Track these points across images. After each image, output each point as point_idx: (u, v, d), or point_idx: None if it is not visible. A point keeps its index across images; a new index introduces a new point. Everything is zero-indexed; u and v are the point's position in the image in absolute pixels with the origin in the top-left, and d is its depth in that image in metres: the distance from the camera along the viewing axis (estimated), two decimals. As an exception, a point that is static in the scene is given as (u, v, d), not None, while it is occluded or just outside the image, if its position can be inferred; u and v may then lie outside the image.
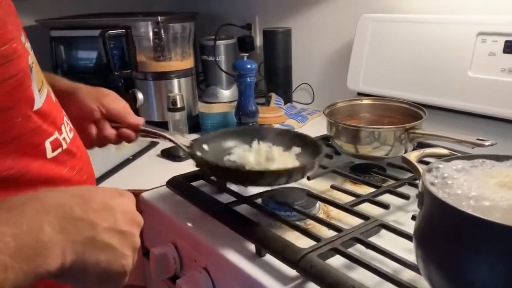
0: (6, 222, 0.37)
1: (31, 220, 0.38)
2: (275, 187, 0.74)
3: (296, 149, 0.78)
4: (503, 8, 0.96)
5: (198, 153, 0.74)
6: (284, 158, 0.75)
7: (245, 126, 0.92)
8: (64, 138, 0.56)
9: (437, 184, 0.50)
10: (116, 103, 0.73)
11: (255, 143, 0.80)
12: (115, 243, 0.43)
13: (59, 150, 0.55)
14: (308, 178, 0.84)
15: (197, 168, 0.81)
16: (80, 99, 0.70)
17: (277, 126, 1.19)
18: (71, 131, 0.60)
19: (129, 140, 0.74)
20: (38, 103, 0.53)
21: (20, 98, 0.50)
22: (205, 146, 0.78)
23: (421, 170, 0.54)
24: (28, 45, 0.55)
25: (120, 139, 0.74)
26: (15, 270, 0.35)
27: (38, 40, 1.58)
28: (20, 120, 0.50)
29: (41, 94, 0.54)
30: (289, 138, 0.80)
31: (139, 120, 0.74)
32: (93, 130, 0.71)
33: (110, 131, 0.72)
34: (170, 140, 0.75)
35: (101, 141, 0.73)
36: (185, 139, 0.76)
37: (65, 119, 0.60)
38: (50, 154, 0.53)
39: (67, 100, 0.69)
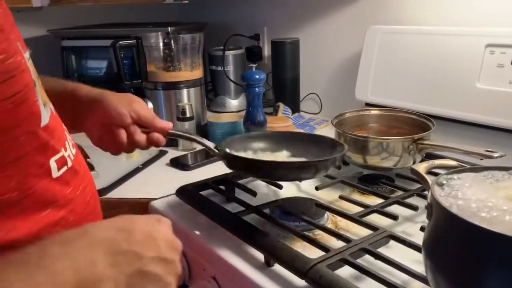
0: (65, 257, 0.39)
1: (86, 255, 0.40)
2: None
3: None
4: (512, 20, 0.96)
5: (227, 150, 0.76)
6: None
7: (263, 132, 0.95)
8: (68, 155, 0.54)
9: (446, 196, 0.50)
10: (145, 108, 0.73)
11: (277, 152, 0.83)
12: (160, 272, 0.45)
13: (65, 168, 0.53)
14: (317, 188, 0.84)
15: (216, 176, 0.87)
16: (110, 105, 0.69)
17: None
18: (74, 147, 0.58)
19: (159, 144, 0.74)
20: (45, 119, 0.51)
21: (26, 116, 0.48)
22: (227, 150, 0.79)
23: (430, 182, 0.54)
24: (27, 55, 0.52)
25: (149, 144, 0.74)
26: None
27: (49, 50, 1.61)
28: (24, 138, 0.47)
29: (46, 108, 0.52)
30: (304, 142, 0.84)
31: (168, 124, 0.74)
32: (123, 135, 0.71)
33: (141, 135, 0.72)
34: (198, 142, 0.76)
35: (131, 146, 0.73)
36: (211, 143, 0.77)
37: (67, 135, 0.58)
38: (55, 173, 0.51)
39: (95, 106, 0.69)
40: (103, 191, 0.91)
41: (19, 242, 0.45)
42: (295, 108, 1.42)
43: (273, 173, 0.74)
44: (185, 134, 0.79)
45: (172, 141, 1.15)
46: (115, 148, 0.73)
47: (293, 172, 0.73)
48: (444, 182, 0.52)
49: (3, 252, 0.44)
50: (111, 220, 0.47)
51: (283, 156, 0.82)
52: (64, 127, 0.58)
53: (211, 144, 0.77)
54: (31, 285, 0.36)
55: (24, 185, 0.47)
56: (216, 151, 0.76)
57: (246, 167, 0.75)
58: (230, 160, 0.76)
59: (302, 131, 1.25)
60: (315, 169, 0.73)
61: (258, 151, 0.84)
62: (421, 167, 0.59)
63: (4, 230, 0.45)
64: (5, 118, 0.45)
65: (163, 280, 0.45)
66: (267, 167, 0.73)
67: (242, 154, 0.81)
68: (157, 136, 0.73)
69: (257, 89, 1.09)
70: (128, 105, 0.70)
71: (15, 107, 0.46)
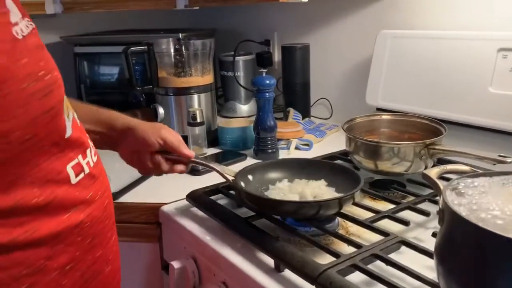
0: None
1: None
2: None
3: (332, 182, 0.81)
4: (524, 24, 0.95)
5: (242, 184, 0.79)
6: (321, 191, 0.78)
7: (288, 158, 0.96)
8: (87, 162, 0.58)
9: (458, 201, 0.49)
10: (172, 135, 0.79)
11: (296, 180, 0.83)
12: None
13: (82, 175, 0.56)
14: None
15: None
16: (141, 133, 0.76)
17: (295, 140, 1.20)
18: (95, 155, 0.62)
19: (181, 172, 0.81)
20: (69, 130, 0.55)
21: (55, 128, 0.52)
22: (250, 177, 0.83)
23: (441, 187, 0.54)
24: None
25: (173, 170, 0.80)
26: None
27: (62, 56, 1.63)
28: (48, 148, 0.51)
29: (68, 119, 0.56)
30: (328, 170, 0.84)
31: (191, 153, 0.80)
32: (149, 162, 0.78)
33: (164, 165, 0.78)
34: (217, 171, 0.80)
35: (157, 171, 0.79)
36: (230, 170, 0.82)
37: (90, 142, 0.62)
38: (74, 179, 0.55)
39: (128, 133, 0.77)
40: (115, 195, 0.91)
41: (42, 242, 0.50)
42: (305, 113, 1.42)
43: (280, 211, 0.75)
44: (203, 162, 0.83)
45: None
46: (144, 170, 0.80)
47: (301, 211, 0.72)
48: (456, 187, 0.52)
49: (26, 249, 0.49)
50: None
51: (320, 185, 0.81)
52: (87, 135, 0.62)
53: (229, 171, 0.81)
54: None
55: (46, 190, 0.51)
56: (232, 180, 0.79)
57: (253, 203, 0.76)
58: (239, 193, 0.77)
59: (313, 136, 1.25)
60: (325, 209, 0.71)
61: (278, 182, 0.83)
62: (433, 172, 0.59)
63: (30, 230, 0.50)
64: (42, 130, 0.50)
65: None
66: (272, 205, 0.73)
67: (272, 188, 0.82)
68: (181, 168, 0.80)
69: (267, 94, 1.09)
70: (156, 132, 0.77)
71: (51, 120, 0.51)
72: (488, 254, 0.44)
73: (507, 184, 0.52)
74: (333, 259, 0.62)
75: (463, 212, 0.47)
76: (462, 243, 0.47)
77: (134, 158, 0.79)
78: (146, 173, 0.82)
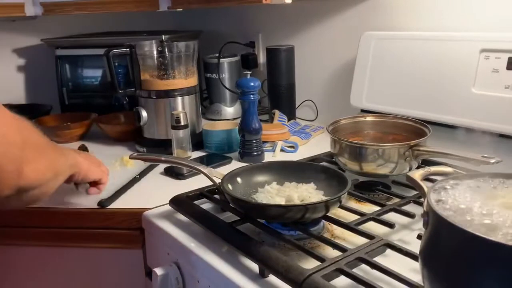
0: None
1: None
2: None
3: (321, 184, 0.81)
4: (506, 25, 0.96)
5: (230, 187, 0.79)
6: (309, 194, 0.78)
7: (278, 161, 0.95)
8: None
9: (442, 203, 0.49)
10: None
11: (286, 183, 0.82)
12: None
13: None
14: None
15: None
16: None
17: (281, 143, 1.19)
18: None
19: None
20: None
21: None
22: (238, 179, 0.83)
23: (426, 189, 0.53)
24: None
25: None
26: None
27: (44, 59, 1.61)
28: None
29: None
30: (318, 173, 0.84)
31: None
32: None
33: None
34: (204, 173, 0.81)
35: None
36: (218, 172, 0.82)
37: None
38: None
39: None
40: (105, 202, 0.89)
41: None
42: (291, 115, 1.41)
43: (264, 215, 0.74)
44: (194, 166, 0.83)
45: (166, 149, 1.14)
46: None
47: (286, 214, 0.71)
48: (440, 189, 0.51)
49: None
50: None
51: (308, 188, 0.80)
52: None
53: (217, 174, 0.81)
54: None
55: None
56: (218, 183, 0.79)
57: (240, 207, 0.76)
58: (226, 197, 0.77)
59: (298, 138, 1.24)
60: (311, 213, 0.71)
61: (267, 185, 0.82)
62: (417, 174, 0.59)
63: None
64: None
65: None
66: (257, 209, 0.73)
67: (261, 191, 0.81)
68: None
69: (252, 96, 1.08)
70: None
71: None
72: (473, 258, 0.43)
73: (490, 186, 0.51)
74: (318, 263, 0.61)
75: (447, 214, 0.47)
76: (447, 246, 0.46)
77: None
78: None
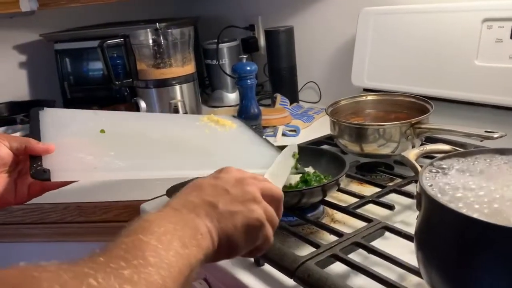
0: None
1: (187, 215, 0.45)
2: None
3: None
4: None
5: None
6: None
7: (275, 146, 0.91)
8: None
9: (436, 184, 0.47)
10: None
11: None
12: (238, 206, 0.47)
13: None
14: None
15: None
16: None
17: (282, 127, 1.17)
18: None
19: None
20: None
21: None
22: None
23: (419, 169, 0.51)
24: None
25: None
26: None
27: (44, 54, 1.60)
28: None
29: None
30: (316, 157, 0.82)
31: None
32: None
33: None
34: None
35: None
36: None
37: None
38: None
39: None
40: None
41: None
42: (293, 98, 1.38)
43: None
44: None
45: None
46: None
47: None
48: (434, 169, 0.49)
49: None
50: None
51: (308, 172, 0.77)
52: None
53: None
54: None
55: None
56: None
57: None
58: None
59: (300, 121, 1.22)
60: (308, 197, 0.69)
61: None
62: (412, 154, 0.56)
63: None
64: None
65: (244, 209, 0.47)
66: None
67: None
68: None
69: (249, 81, 1.06)
70: None
71: None
72: (466, 240, 0.41)
73: (488, 163, 0.49)
74: (314, 249, 0.59)
75: (440, 196, 0.45)
76: (440, 227, 0.44)
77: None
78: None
